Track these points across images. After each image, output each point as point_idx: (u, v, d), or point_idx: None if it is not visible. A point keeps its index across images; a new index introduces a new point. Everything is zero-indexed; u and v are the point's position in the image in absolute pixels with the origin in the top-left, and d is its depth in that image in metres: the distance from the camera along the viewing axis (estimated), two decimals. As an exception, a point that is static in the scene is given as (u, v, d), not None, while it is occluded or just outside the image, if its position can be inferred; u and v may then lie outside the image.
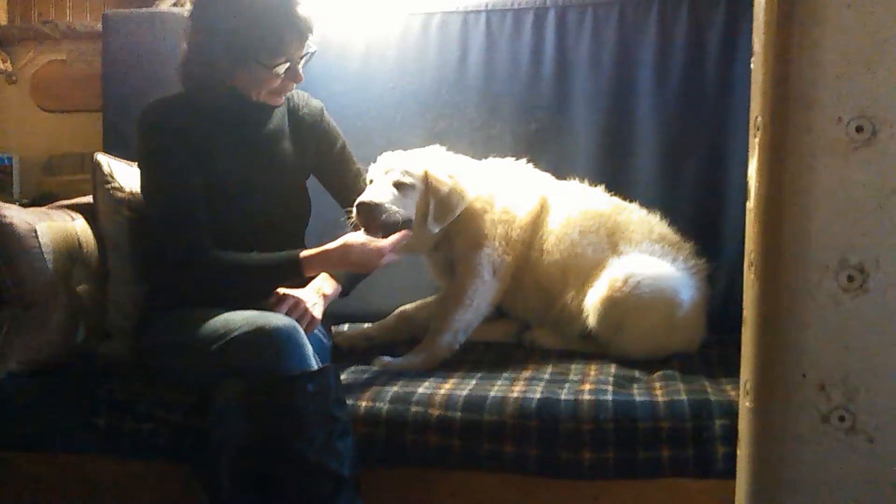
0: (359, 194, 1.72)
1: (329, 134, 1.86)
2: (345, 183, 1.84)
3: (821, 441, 0.77)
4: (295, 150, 1.79)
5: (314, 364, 1.41)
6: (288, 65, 1.64)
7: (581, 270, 1.78)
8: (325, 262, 1.60)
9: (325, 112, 1.87)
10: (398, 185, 1.73)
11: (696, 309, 1.76)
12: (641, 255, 1.74)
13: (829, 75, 0.78)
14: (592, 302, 1.71)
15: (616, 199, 1.89)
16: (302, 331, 1.44)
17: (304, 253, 1.60)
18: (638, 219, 1.83)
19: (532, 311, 1.88)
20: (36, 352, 1.68)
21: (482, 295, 1.77)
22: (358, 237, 1.61)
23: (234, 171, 1.66)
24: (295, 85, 1.70)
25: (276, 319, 1.43)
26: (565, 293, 1.80)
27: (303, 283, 1.63)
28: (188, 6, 2.09)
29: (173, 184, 1.61)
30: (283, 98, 1.73)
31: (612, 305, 1.68)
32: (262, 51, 1.60)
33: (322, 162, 1.85)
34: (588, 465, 1.40)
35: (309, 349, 1.43)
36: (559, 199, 1.87)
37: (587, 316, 1.73)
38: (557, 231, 1.81)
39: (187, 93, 1.68)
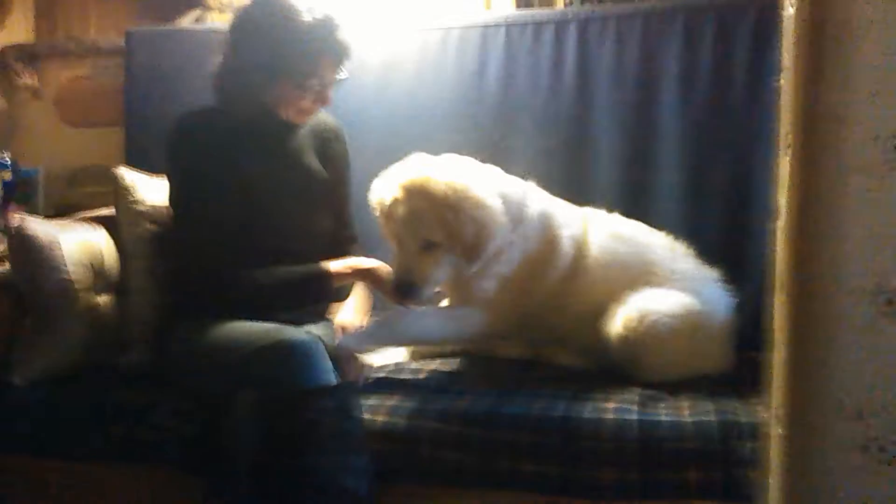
0: (346, 229, 1.80)
1: (340, 157, 1.87)
2: (338, 211, 1.83)
3: (858, 473, 0.74)
4: (319, 165, 1.81)
5: (333, 380, 1.41)
6: (319, 86, 1.66)
7: (601, 311, 1.67)
8: (350, 277, 1.65)
9: (341, 133, 1.89)
10: (427, 246, 1.55)
11: (721, 333, 1.70)
12: (656, 290, 1.65)
13: (864, 93, 0.76)
14: (609, 337, 1.64)
15: (636, 233, 1.78)
16: (322, 346, 1.44)
17: (331, 265, 1.63)
18: (659, 258, 1.72)
19: (546, 340, 1.80)
20: (56, 361, 1.70)
21: (470, 323, 1.66)
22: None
23: (261, 184, 1.67)
24: (321, 105, 1.72)
25: (296, 333, 1.43)
26: (585, 333, 1.70)
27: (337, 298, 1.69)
28: (212, 23, 2.12)
29: (202, 196, 1.63)
30: (308, 117, 1.75)
31: (628, 344, 1.60)
32: (297, 70, 1.63)
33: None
34: (611, 485, 1.37)
35: (328, 365, 1.42)
36: (592, 243, 1.72)
37: (605, 346, 1.66)
38: (590, 284, 1.69)
39: (218, 105, 1.70)
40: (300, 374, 1.37)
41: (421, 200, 1.53)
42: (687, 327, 1.62)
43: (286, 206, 1.70)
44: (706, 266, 1.78)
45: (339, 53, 1.67)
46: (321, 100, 1.70)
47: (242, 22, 1.68)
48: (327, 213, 1.81)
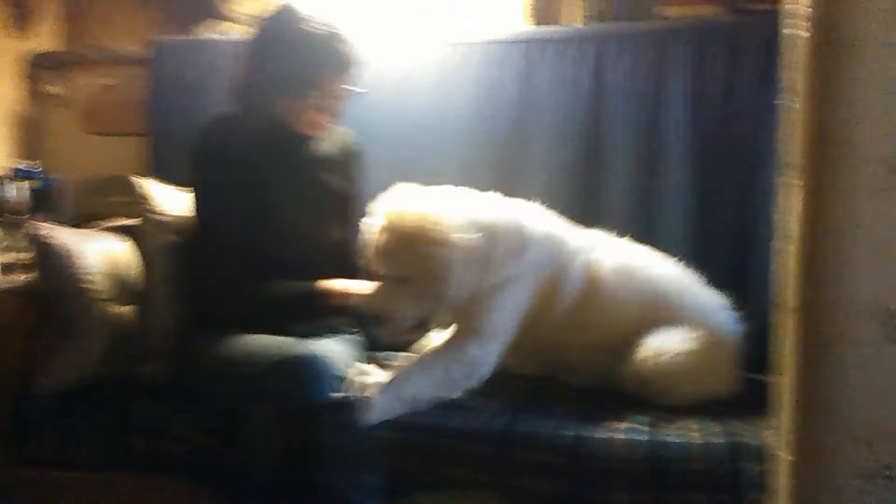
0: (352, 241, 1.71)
1: (359, 174, 1.89)
2: (348, 224, 1.82)
3: (865, 498, 0.74)
4: (337, 180, 1.82)
5: (346, 395, 1.40)
6: (327, 100, 1.67)
7: (612, 342, 1.67)
8: (344, 299, 1.60)
9: (362, 151, 1.90)
10: (394, 281, 1.54)
11: (730, 359, 1.69)
12: (667, 328, 1.65)
13: (868, 114, 0.76)
14: (621, 372, 1.65)
15: (648, 265, 1.75)
16: (331, 362, 1.43)
17: (326, 284, 1.61)
18: (671, 293, 1.71)
19: (559, 363, 1.78)
20: (77, 371, 1.72)
21: (478, 360, 1.57)
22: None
23: (275, 195, 1.69)
24: (331, 119, 1.74)
25: (309, 348, 1.43)
26: (596, 360, 1.70)
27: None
28: (236, 33, 2.15)
29: (222, 205, 1.66)
30: (323, 129, 1.76)
31: (639, 379, 1.61)
32: (299, 82, 1.66)
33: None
34: (620, 505, 1.38)
35: (337, 381, 1.41)
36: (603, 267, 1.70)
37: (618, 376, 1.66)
38: (600, 316, 1.66)
39: (238, 113, 1.75)
40: (311, 389, 1.37)
41: (384, 237, 1.54)
42: (699, 363, 1.61)
43: (297, 218, 1.71)
44: (714, 292, 1.76)
45: (344, 68, 1.68)
46: (331, 113, 1.71)
47: (255, 33, 1.72)
48: (340, 225, 1.82)
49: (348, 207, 1.85)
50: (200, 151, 1.70)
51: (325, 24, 1.66)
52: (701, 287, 1.77)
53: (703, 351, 1.63)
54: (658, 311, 1.67)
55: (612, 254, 1.72)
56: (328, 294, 1.61)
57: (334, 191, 1.82)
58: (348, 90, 1.71)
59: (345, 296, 1.61)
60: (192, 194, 1.72)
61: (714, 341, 1.66)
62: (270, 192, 1.69)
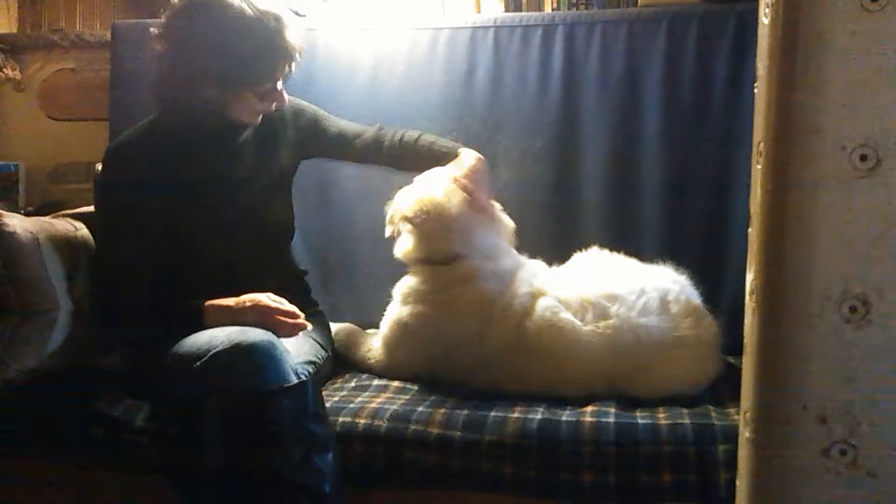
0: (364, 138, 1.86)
1: (315, 124, 1.86)
2: (353, 145, 1.86)
3: (821, 475, 0.75)
4: (268, 155, 1.77)
5: (293, 379, 1.36)
6: (273, 89, 1.63)
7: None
8: (228, 316, 1.52)
9: (300, 106, 1.85)
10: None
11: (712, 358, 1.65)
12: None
13: (834, 103, 0.77)
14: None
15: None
16: (281, 346, 1.40)
17: (210, 303, 1.55)
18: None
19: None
20: (37, 361, 1.67)
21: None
22: (265, 299, 1.54)
23: (204, 192, 1.64)
24: (276, 105, 1.67)
25: (254, 335, 1.39)
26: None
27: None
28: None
29: (113, 241, 1.63)
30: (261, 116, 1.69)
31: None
32: (253, 78, 1.58)
33: (322, 148, 1.88)
34: (588, 487, 1.39)
35: (288, 364, 1.38)
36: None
37: None
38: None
39: (157, 116, 1.67)
40: (259, 376, 1.34)
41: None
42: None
43: (232, 209, 1.67)
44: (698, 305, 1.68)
45: (292, 55, 1.60)
46: (278, 100, 1.65)
47: (183, 26, 1.55)
48: (280, 205, 1.79)
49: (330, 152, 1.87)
50: (110, 184, 1.64)
51: (266, 14, 1.55)
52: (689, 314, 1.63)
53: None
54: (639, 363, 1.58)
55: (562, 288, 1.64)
56: (212, 312, 1.53)
57: (282, 167, 1.78)
58: (287, 75, 1.64)
59: (236, 311, 1.53)
60: (102, 231, 1.70)
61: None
62: (210, 190, 1.64)
